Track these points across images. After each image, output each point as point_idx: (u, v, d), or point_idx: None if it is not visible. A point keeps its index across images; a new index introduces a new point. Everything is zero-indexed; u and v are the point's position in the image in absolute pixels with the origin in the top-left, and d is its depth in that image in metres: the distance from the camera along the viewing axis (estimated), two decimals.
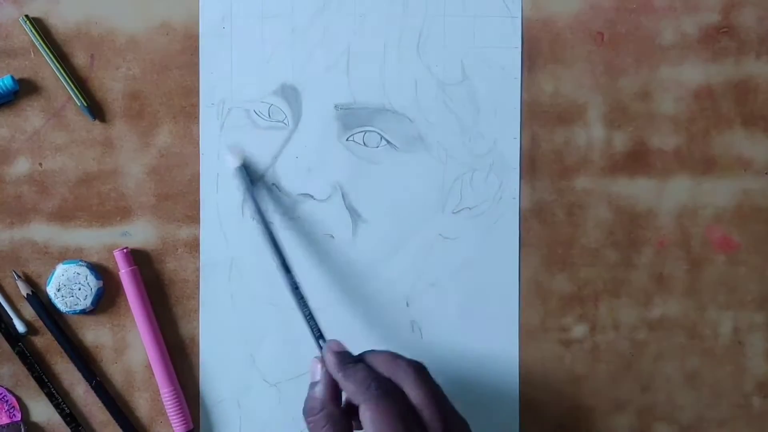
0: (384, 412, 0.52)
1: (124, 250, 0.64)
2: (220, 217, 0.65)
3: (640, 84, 0.66)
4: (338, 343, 0.58)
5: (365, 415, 0.53)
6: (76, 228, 0.65)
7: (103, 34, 0.65)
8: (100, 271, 0.65)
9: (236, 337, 0.65)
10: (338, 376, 0.55)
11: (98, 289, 0.65)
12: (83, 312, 0.65)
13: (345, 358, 0.56)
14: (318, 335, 0.59)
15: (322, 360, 0.57)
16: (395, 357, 0.56)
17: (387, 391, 0.53)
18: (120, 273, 0.64)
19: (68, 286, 0.64)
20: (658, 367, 0.66)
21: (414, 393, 0.54)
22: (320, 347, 0.59)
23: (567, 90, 0.66)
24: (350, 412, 0.56)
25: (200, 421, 0.65)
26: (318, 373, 0.57)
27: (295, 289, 0.61)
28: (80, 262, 0.64)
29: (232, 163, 0.64)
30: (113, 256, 0.65)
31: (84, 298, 0.64)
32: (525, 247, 0.66)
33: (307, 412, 0.55)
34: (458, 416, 0.55)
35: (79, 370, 0.65)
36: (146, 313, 0.64)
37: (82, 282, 0.64)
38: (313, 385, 0.57)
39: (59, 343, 0.65)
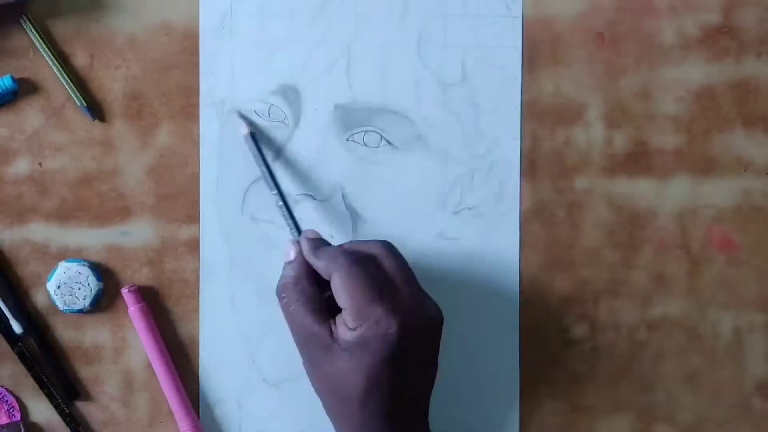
0: (355, 277, 0.54)
1: (132, 288, 0.64)
2: (220, 217, 0.65)
3: (640, 84, 0.66)
4: (314, 231, 0.59)
5: (336, 283, 0.54)
6: (76, 228, 0.65)
7: (103, 33, 0.65)
8: (100, 271, 0.65)
9: (236, 337, 0.65)
10: (311, 258, 0.57)
11: (98, 290, 0.65)
12: (81, 312, 0.65)
13: (318, 243, 0.58)
14: (297, 229, 0.60)
15: (298, 244, 0.59)
16: (363, 240, 0.59)
17: (356, 259, 0.55)
18: (129, 311, 0.65)
19: (68, 285, 0.64)
20: (658, 367, 0.66)
21: (386, 263, 0.56)
22: (298, 236, 0.60)
23: (567, 90, 0.66)
24: (323, 293, 0.57)
25: (200, 421, 0.65)
26: (292, 254, 0.58)
27: (276, 188, 0.62)
28: (83, 262, 0.64)
29: (242, 129, 0.64)
30: (113, 257, 0.65)
31: (83, 298, 0.64)
32: (525, 247, 0.66)
33: (281, 290, 0.57)
34: (428, 296, 0.57)
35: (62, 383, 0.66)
36: (159, 350, 0.64)
37: (82, 282, 0.64)
38: (286, 265, 0.58)
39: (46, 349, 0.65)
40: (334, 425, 0.56)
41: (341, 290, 0.54)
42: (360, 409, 0.54)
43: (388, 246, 0.57)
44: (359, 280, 0.54)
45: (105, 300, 0.65)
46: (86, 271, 0.64)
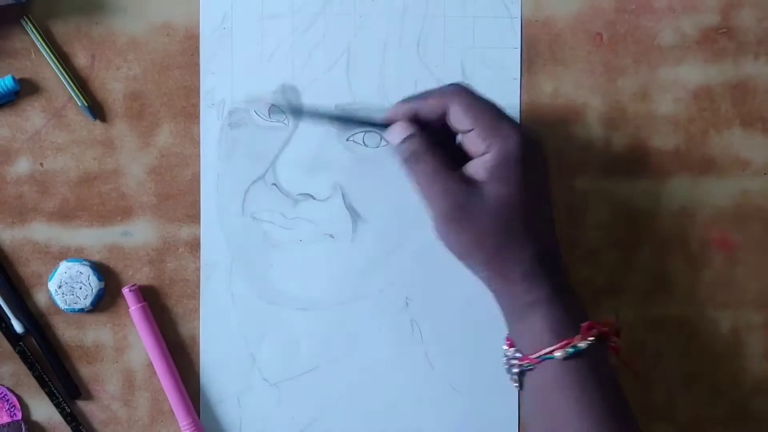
0: (473, 100, 0.57)
1: (133, 288, 0.64)
2: (220, 216, 0.65)
3: (639, 84, 0.66)
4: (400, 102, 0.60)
5: (456, 111, 0.57)
6: (77, 228, 0.65)
7: (104, 34, 0.65)
8: (101, 271, 0.65)
9: (236, 336, 0.66)
10: (418, 103, 0.59)
11: (99, 290, 0.65)
12: (81, 311, 0.65)
13: (413, 97, 0.60)
14: (382, 124, 0.60)
15: (399, 119, 0.59)
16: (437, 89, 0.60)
17: (464, 87, 0.58)
18: (130, 310, 0.65)
19: (69, 284, 0.64)
20: (658, 366, 0.66)
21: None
22: (385, 128, 0.60)
23: (566, 90, 0.66)
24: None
25: (201, 421, 0.66)
26: (404, 130, 0.58)
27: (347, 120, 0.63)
28: (84, 262, 0.65)
29: (264, 106, 0.65)
30: (114, 257, 0.65)
31: (84, 298, 0.64)
32: None
33: (414, 162, 0.58)
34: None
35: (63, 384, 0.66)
36: (160, 349, 0.65)
37: (83, 281, 0.64)
38: (404, 141, 0.58)
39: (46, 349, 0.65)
40: (490, 268, 0.57)
41: (465, 114, 0.56)
42: (522, 231, 0.56)
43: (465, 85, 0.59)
44: (477, 101, 0.57)
45: (106, 299, 0.66)
46: (87, 271, 0.64)
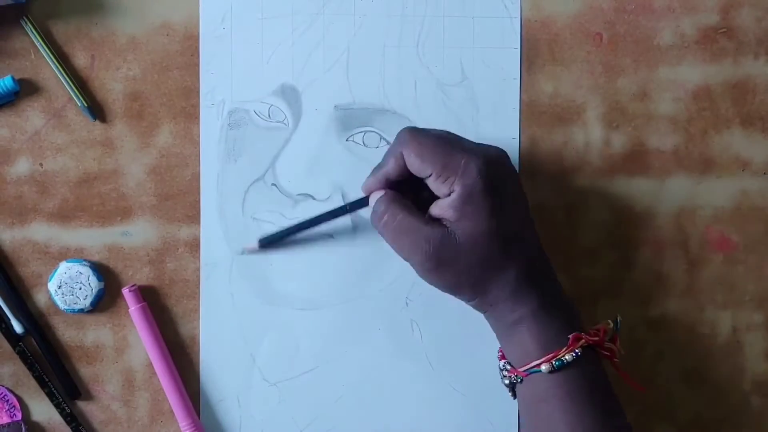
0: (422, 141, 0.57)
1: (133, 288, 0.64)
2: (220, 217, 0.65)
3: (638, 84, 0.66)
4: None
5: (410, 157, 0.57)
6: (77, 228, 0.65)
7: (104, 34, 0.65)
8: (101, 271, 0.65)
9: (236, 336, 0.66)
10: (379, 173, 0.60)
11: (99, 291, 0.65)
12: (81, 311, 0.65)
13: (374, 171, 0.61)
14: (348, 207, 0.62)
15: (372, 187, 0.61)
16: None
17: (413, 129, 0.58)
18: (130, 310, 0.65)
19: (69, 285, 0.64)
20: (658, 366, 0.66)
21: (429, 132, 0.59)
22: (357, 201, 0.62)
23: (566, 90, 0.66)
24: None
25: (201, 421, 0.66)
26: (378, 192, 0.60)
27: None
28: (84, 262, 0.65)
29: (254, 250, 0.65)
30: (114, 257, 0.65)
31: (84, 298, 0.64)
32: None
33: (381, 212, 0.58)
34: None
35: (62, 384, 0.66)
36: (160, 349, 0.65)
37: (83, 282, 0.64)
38: (378, 200, 0.59)
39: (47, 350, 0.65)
40: (478, 298, 0.58)
41: (419, 159, 0.56)
42: (500, 257, 0.56)
43: (414, 128, 0.59)
44: (428, 141, 0.57)
45: (106, 300, 0.66)
46: (87, 271, 0.64)
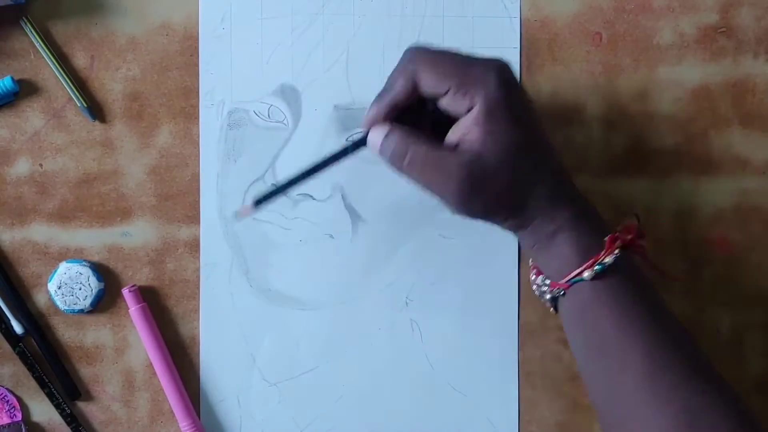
0: (436, 57, 0.54)
1: (133, 288, 0.64)
2: (220, 217, 0.65)
3: (638, 84, 0.66)
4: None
5: (425, 76, 0.53)
6: (77, 228, 0.65)
7: (103, 35, 0.65)
8: (101, 272, 0.65)
9: (236, 336, 0.66)
10: (387, 95, 0.55)
11: (99, 291, 0.65)
12: (81, 312, 0.65)
13: (375, 100, 0.56)
14: (347, 150, 0.58)
15: (374, 125, 0.56)
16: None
17: (421, 47, 0.55)
18: (130, 311, 0.65)
19: (69, 285, 0.64)
20: None
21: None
22: (362, 139, 0.57)
23: (565, 90, 0.66)
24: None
25: (201, 421, 0.66)
26: (382, 131, 0.55)
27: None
28: (83, 262, 0.65)
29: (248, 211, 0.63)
30: (114, 257, 0.65)
31: (84, 299, 0.64)
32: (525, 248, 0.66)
33: (400, 152, 0.55)
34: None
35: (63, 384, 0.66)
36: (160, 350, 0.65)
37: (83, 282, 0.64)
38: (385, 138, 0.55)
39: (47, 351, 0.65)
40: (513, 216, 0.55)
41: (435, 76, 0.53)
42: (532, 170, 0.54)
43: (421, 44, 0.56)
44: (443, 56, 0.54)
45: (106, 300, 0.66)
46: (87, 272, 0.64)
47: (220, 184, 0.65)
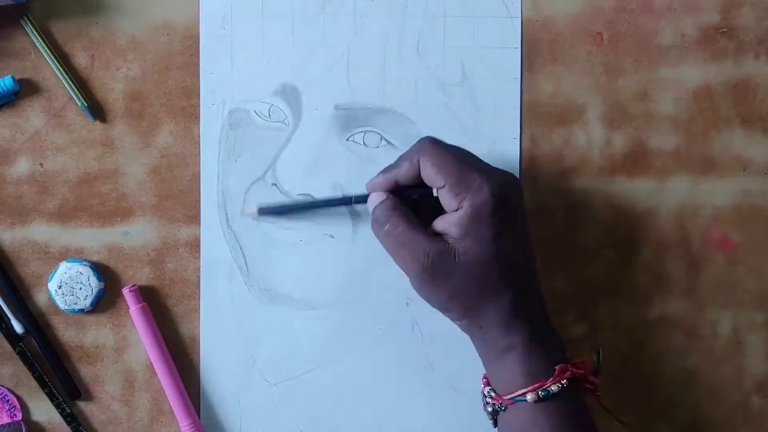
0: (443, 153, 0.57)
1: (133, 288, 0.64)
2: (220, 217, 0.65)
3: (639, 84, 0.66)
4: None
5: (427, 166, 0.57)
6: (77, 228, 0.65)
7: (104, 34, 0.65)
8: (101, 271, 0.65)
9: (237, 336, 0.66)
10: (393, 172, 0.59)
11: (99, 291, 0.65)
12: (82, 311, 0.65)
13: (386, 168, 0.60)
14: (350, 200, 0.63)
15: (376, 186, 0.60)
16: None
17: (433, 139, 0.58)
18: (130, 310, 0.65)
19: (69, 285, 0.64)
20: (658, 367, 0.66)
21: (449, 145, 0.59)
22: (360, 197, 0.62)
23: (566, 90, 0.66)
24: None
25: (201, 421, 0.66)
26: (377, 199, 0.60)
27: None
28: (84, 262, 0.65)
29: (253, 215, 0.65)
30: (114, 257, 0.65)
31: (84, 298, 0.64)
32: None
33: (382, 220, 0.58)
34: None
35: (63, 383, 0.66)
36: (160, 349, 0.65)
37: (83, 282, 0.64)
38: (378, 205, 0.59)
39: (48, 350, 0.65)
40: (468, 319, 0.58)
41: (435, 169, 0.56)
42: (498, 282, 0.56)
43: (435, 138, 0.59)
44: (448, 154, 0.57)
45: (106, 300, 0.66)
46: (87, 271, 0.64)
47: (221, 183, 0.65)
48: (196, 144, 0.65)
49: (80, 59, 0.65)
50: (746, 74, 0.66)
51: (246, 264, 0.65)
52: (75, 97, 0.65)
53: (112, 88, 0.65)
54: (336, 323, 0.66)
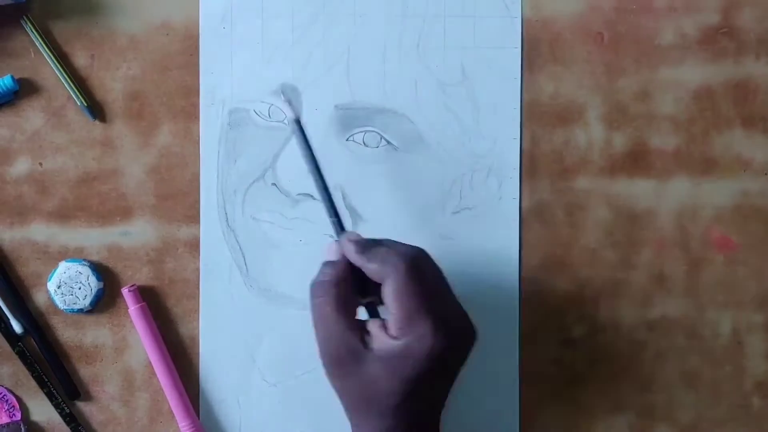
0: (410, 284, 0.52)
1: (132, 288, 0.64)
2: (220, 217, 0.65)
3: (639, 84, 0.66)
4: (357, 234, 0.57)
5: (388, 289, 0.53)
6: (77, 228, 0.65)
7: (104, 34, 0.65)
8: (101, 271, 0.65)
9: (236, 337, 0.66)
10: (359, 260, 0.55)
11: (98, 290, 0.65)
12: (81, 311, 0.65)
13: (366, 243, 0.56)
14: (340, 227, 0.59)
15: (339, 244, 0.57)
16: (401, 243, 0.56)
17: (412, 265, 0.53)
18: (129, 310, 0.65)
19: (69, 285, 0.64)
20: (658, 367, 0.66)
21: (429, 272, 0.55)
22: (338, 234, 0.58)
23: (567, 90, 0.66)
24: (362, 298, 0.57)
25: (200, 421, 0.65)
26: (334, 253, 0.56)
27: (322, 182, 0.59)
28: (83, 262, 0.65)
29: (288, 114, 0.62)
30: (114, 257, 0.65)
31: (83, 298, 0.64)
32: (525, 247, 0.66)
33: (317, 289, 0.55)
34: (463, 310, 0.56)
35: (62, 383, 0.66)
36: (160, 349, 0.65)
37: (83, 281, 0.64)
38: (326, 264, 0.56)
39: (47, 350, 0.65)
40: (355, 426, 0.55)
41: (393, 297, 0.53)
42: (389, 416, 0.53)
43: (426, 253, 0.56)
44: (413, 287, 0.53)
45: (105, 300, 0.66)
46: (86, 271, 0.64)
47: (221, 183, 0.65)
48: (196, 144, 0.65)
49: (80, 59, 0.65)
50: (746, 74, 0.66)
51: (246, 264, 0.65)
52: (74, 97, 0.65)
53: (112, 87, 0.65)
54: None
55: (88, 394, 0.66)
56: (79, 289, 0.64)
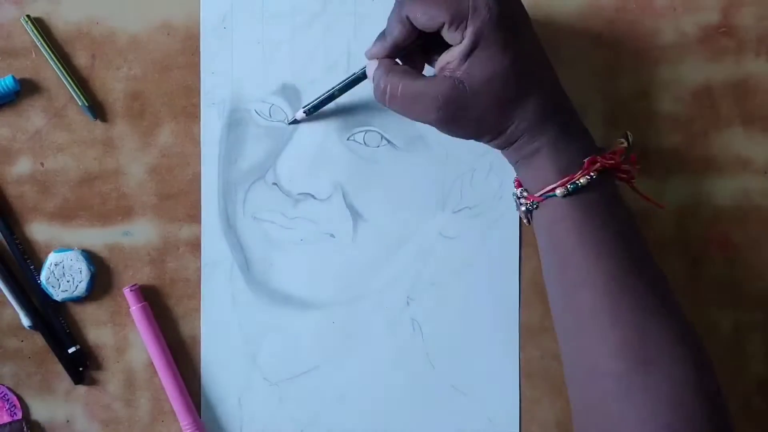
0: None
1: (134, 288, 0.64)
2: (221, 216, 0.65)
3: (639, 83, 0.66)
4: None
5: (415, 4, 0.54)
6: (78, 227, 0.66)
7: (104, 34, 0.65)
8: (102, 271, 0.65)
9: (237, 336, 0.66)
10: (386, 32, 0.57)
11: (91, 275, 0.65)
12: (78, 299, 0.65)
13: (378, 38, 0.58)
14: (363, 75, 0.60)
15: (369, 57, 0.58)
16: None
17: None
18: (131, 310, 0.65)
19: (60, 273, 0.64)
20: None
21: None
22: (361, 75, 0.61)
23: (567, 90, 0.65)
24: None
25: (201, 420, 0.66)
26: (374, 61, 0.58)
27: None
28: (71, 250, 0.65)
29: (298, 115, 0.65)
30: (115, 256, 0.65)
31: (77, 285, 0.64)
32: (525, 247, 0.66)
33: (381, 82, 0.56)
34: None
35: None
36: (161, 349, 0.65)
37: (74, 268, 0.64)
38: (375, 71, 0.57)
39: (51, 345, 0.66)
40: (499, 138, 0.56)
41: (426, 16, 0.54)
42: (516, 95, 0.54)
43: None
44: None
45: (107, 299, 0.66)
46: (77, 257, 0.64)
47: (221, 183, 0.65)
48: (197, 143, 0.65)
49: (81, 59, 0.65)
50: (746, 74, 0.66)
51: (246, 263, 0.66)
52: (76, 97, 0.65)
53: (113, 87, 0.65)
54: (337, 322, 0.66)
55: (90, 394, 0.66)
56: (72, 276, 0.64)
